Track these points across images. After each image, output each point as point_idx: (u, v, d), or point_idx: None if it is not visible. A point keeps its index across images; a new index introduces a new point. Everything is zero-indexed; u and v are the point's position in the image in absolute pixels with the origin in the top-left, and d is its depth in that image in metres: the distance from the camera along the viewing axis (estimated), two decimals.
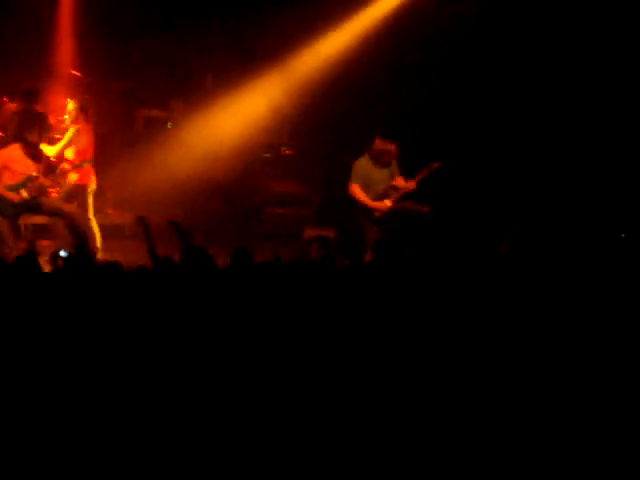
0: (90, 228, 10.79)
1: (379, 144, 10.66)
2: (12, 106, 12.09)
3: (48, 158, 10.91)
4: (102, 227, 11.99)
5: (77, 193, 10.87)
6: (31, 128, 10.56)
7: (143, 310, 6.17)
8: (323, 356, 5.60)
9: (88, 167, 10.90)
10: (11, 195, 10.18)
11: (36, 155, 10.37)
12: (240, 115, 13.27)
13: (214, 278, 6.87)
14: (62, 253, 7.41)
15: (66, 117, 12.49)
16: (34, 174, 10.25)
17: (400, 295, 6.38)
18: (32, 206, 10.37)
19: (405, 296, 6.37)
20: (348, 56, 13.34)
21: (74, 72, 13.15)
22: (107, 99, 13.58)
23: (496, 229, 10.25)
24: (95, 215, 12.39)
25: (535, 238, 8.95)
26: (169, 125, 13.41)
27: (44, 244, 11.61)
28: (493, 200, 12.53)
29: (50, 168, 10.56)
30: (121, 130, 13.68)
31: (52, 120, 11.73)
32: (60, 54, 13.68)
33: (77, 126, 10.93)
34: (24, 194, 10.23)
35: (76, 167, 10.80)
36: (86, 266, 7.11)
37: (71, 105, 11.75)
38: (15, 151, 10.39)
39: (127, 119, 13.61)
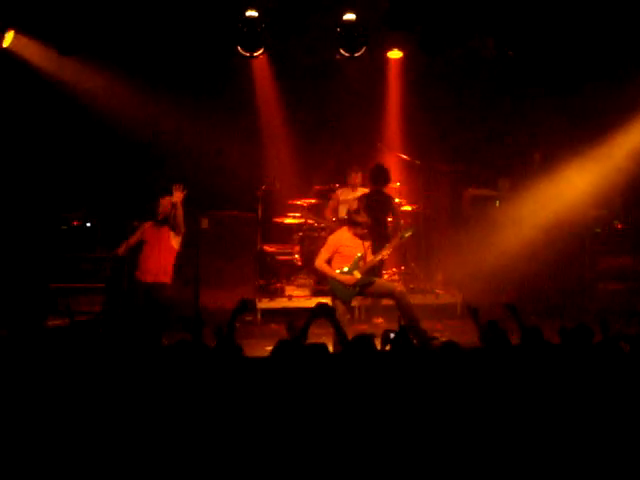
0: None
1: None
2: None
3: (381, 233, 11.22)
4: (433, 307, 12.24)
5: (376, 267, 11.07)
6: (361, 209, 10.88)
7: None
8: None
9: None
10: (346, 278, 10.42)
11: (364, 235, 10.61)
12: (569, 190, 13.03)
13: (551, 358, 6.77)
14: (392, 334, 7.47)
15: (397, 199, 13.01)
16: (360, 254, 10.48)
17: None
18: (365, 287, 10.53)
19: None
20: None
21: (402, 155, 13.54)
22: (435, 180, 13.89)
23: None
24: (425, 294, 12.71)
25: None
26: (497, 203, 13.40)
27: (377, 322, 11.96)
28: None
29: (378, 246, 10.74)
30: (449, 210, 13.89)
31: None
32: (389, 136, 14.19)
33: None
34: (357, 275, 10.42)
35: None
36: (413, 348, 7.18)
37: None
38: (344, 234, 10.66)
39: (455, 199, 13.78)
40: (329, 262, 10.45)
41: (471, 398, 6.19)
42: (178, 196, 10.57)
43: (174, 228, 10.65)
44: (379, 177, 12.09)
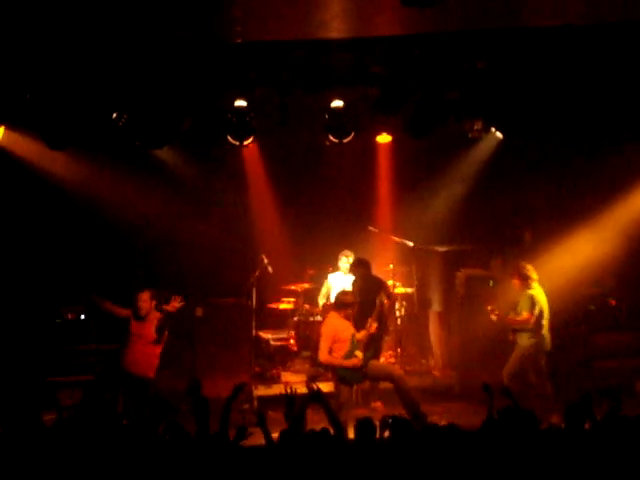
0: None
1: None
2: None
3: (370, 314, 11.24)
4: (430, 389, 12.18)
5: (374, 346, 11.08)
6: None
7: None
8: None
9: None
10: (352, 362, 10.47)
11: (348, 315, 10.67)
12: (561, 269, 13.04)
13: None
14: (390, 420, 7.43)
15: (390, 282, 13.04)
16: (354, 333, 10.57)
17: None
18: (368, 367, 10.58)
19: None
20: None
21: (394, 237, 13.60)
22: (428, 262, 13.93)
23: None
24: (422, 376, 12.66)
25: None
26: (490, 283, 13.40)
27: (375, 406, 11.86)
28: None
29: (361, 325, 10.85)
30: (443, 291, 13.89)
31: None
32: (381, 219, 14.26)
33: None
34: (360, 355, 10.49)
35: None
36: (415, 433, 7.12)
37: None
38: (335, 320, 10.73)
39: (448, 280, 13.78)
40: (330, 352, 10.52)
41: None
42: (174, 307, 10.71)
43: (159, 336, 10.72)
44: (359, 267, 12.24)
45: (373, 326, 10.77)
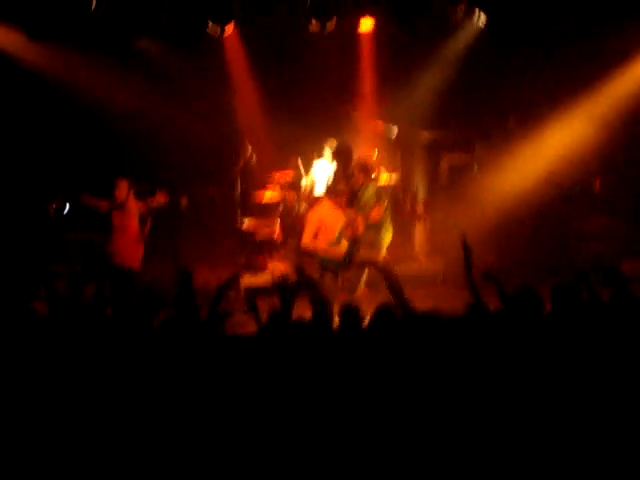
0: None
1: None
2: None
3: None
4: (415, 276, 12.26)
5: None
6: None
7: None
8: None
9: None
10: (335, 250, 10.53)
11: (340, 202, 10.72)
12: (545, 153, 13.07)
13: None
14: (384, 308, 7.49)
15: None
16: (344, 223, 10.60)
17: None
18: (353, 255, 10.62)
19: None
20: None
21: (377, 121, 13.50)
22: (412, 147, 13.88)
23: None
24: (408, 263, 12.72)
25: None
26: (475, 168, 13.40)
27: (361, 293, 11.97)
28: None
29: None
30: (427, 178, 13.89)
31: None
32: (365, 105, 14.15)
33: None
34: (345, 243, 10.50)
35: None
36: (401, 319, 7.19)
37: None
38: (324, 207, 10.74)
39: (432, 165, 13.77)
40: (315, 238, 10.55)
41: (455, 367, 6.20)
42: (159, 202, 10.71)
43: (142, 227, 10.86)
44: (341, 154, 12.18)
45: (360, 227, 10.79)
